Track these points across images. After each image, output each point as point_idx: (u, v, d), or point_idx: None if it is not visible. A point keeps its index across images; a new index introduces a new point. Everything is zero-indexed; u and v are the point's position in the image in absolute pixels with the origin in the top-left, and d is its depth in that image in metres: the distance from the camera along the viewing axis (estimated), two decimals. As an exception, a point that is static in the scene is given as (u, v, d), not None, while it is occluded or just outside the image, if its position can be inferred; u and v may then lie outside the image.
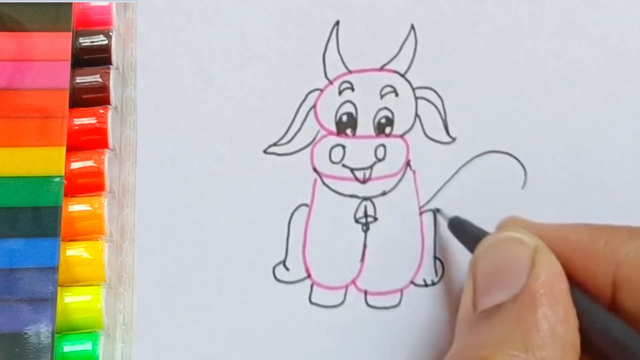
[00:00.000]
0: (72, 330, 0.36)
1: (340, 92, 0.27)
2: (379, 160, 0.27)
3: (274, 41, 0.27)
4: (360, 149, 0.27)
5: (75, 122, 0.39)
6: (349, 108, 0.27)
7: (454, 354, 0.22)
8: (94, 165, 0.38)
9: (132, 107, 0.41)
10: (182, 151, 0.26)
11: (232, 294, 0.26)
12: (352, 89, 0.27)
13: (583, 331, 0.21)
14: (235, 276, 0.26)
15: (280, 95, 0.27)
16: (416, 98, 0.27)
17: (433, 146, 0.27)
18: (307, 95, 0.27)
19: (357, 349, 0.27)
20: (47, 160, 0.37)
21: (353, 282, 0.27)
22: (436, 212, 0.27)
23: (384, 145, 0.27)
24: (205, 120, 0.26)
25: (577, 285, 0.22)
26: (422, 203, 0.27)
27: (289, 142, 0.27)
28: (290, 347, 0.27)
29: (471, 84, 0.27)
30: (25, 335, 0.35)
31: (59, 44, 0.39)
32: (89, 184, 0.38)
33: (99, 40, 0.40)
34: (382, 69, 0.27)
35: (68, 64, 0.39)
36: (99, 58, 0.40)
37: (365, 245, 0.27)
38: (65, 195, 0.37)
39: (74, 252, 0.37)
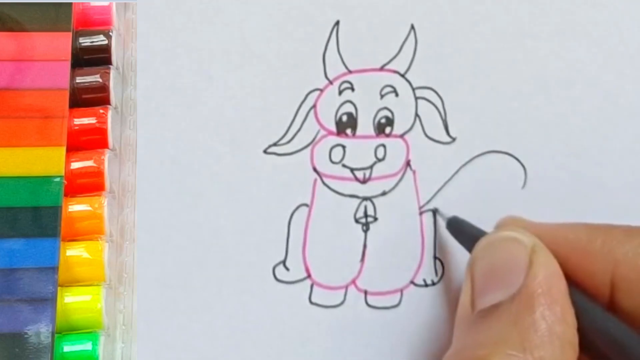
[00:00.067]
0: (72, 330, 0.36)
1: (340, 92, 0.27)
2: (379, 160, 0.27)
3: (274, 41, 0.27)
4: (360, 149, 0.27)
5: (75, 122, 0.39)
6: (349, 108, 0.27)
7: (452, 353, 0.22)
8: (94, 165, 0.38)
9: (132, 107, 0.41)
10: (182, 151, 0.26)
11: (232, 294, 0.26)
12: (352, 89, 0.27)
13: (581, 331, 0.21)
14: (235, 276, 0.26)
15: (280, 95, 0.27)
16: (416, 98, 0.27)
17: (433, 146, 0.27)
18: (307, 95, 0.27)
19: (357, 349, 0.27)
20: (47, 160, 0.37)
21: (353, 282, 0.27)
22: (434, 212, 0.27)
23: (384, 145, 0.27)
24: (205, 120, 0.26)
25: (575, 284, 0.22)
26: (422, 203, 0.27)
27: (289, 142, 0.27)
28: (290, 347, 0.27)
29: (471, 84, 0.27)
30: (25, 335, 0.35)
31: (59, 44, 0.39)
32: (89, 184, 0.38)
33: (99, 40, 0.40)
34: (382, 69, 0.27)
35: (68, 64, 0.39)
36: (99, 58, 0.40)
37: (365, 245, 0.27)
38: (65, 195, 0.37)
39: (74, 252, 0.37)
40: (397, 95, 0.27)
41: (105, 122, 0.39)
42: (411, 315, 0.27)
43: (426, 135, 0.27)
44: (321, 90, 0.27)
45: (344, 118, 0.27)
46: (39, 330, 0.35)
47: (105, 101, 0.40)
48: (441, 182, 0.27)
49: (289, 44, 0.27)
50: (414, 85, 0.27)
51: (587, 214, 0.27)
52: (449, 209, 0.27)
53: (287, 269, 0.27)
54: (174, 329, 0.26)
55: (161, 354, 0.26)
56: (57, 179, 0.37)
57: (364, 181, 0.27)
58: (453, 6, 0.27)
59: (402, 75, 0.27)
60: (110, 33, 0.41)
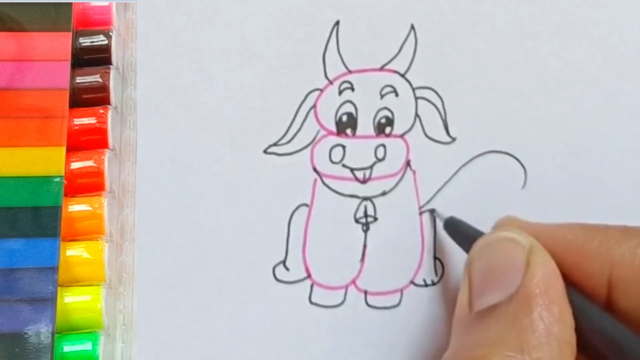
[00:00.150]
0: (72, 330, 0.36)
1: (340, 92, 0.27)
2: (379, 160, 0.27)
3: (274, 41, 0.27)
4: (360, 149, 0.27)
5: (75, 122, 0.39)
6: (349, 108, 0.27)
7: (450, 354, 0.22)
8: (94, 165, 0.38)
9: (132, 107, 0.41)
10: (182, 151, 0.26)
11: (232, 294, 0.26)
12: (352, 89, 0.27)
13: (579, 331, 0.21)
14: (235, 276, 0.26)
15: (280, 95, 0.27)
16: (416, 98, 0.27)
17: (433, 146, 0.27)
18: (307, 95, 0.27)
19: (357, 349, 0.27)
20: (47, 160, 0.38)
21: (353, 282, 0.27)
22: (431, 212, 0.27)
23: (384, 145, 0.27)
24: (205, 120, 0.26)
25: (573, 285, 0.22)
26: (422, 203, 0.27)
27: (289, 142, 0.27)
28: (290, 347, 0.27)
29: (471, 84, 0.27)
30: (25, 335, 0.35)
31: (59, 44, 0.39)
32: (89, 184, 0.38)
33: (99, 40, 0.40)
34: (382, 69, 0.27)
35: (68, 64, 0.39)
36: (99, 58, 0.40)
37: (365, 245, 0.27)
38: (65, 195, 0.37)
39: (74, 252, 0.37)
40: (397, 95, 0.27)
41: (105, 122, 0.39)
42: (411, 315, 0.27)
43: (426, 135, 0.27)
44: (321, 90, 0.27)
45: (344, 118, 0.27)
46: (39, 330, 0.35)
47: (105, 101, 0.40)
48: (441, 182, 0.27)
49: (289, 44, 0.27)
50: (414, 85, 0.27)
51: (587, 214, 0.27)
52: (449, 209, 0.27)
53: (287, 269, 0.27)
54: (174, 329, 0.26)
55: (161, 354, 0.26)
56: (57, 179, 0.37)
57: (364, 181, 0.27)
58: (453, 6, 0.27)
59: (402, 75, 0.27)
60: (110, 33, 0.41)
